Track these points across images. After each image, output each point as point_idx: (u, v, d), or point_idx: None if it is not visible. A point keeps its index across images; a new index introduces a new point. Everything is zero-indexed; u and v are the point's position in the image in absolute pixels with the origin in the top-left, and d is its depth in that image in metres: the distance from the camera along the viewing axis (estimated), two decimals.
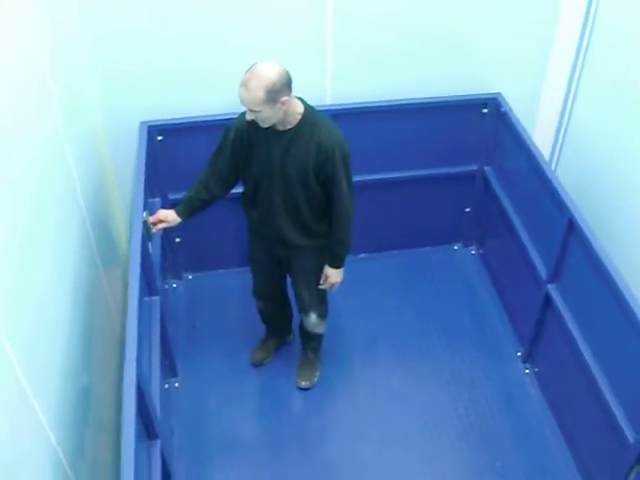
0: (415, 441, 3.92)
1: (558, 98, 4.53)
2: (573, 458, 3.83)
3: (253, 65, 3.04)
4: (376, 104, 4.26)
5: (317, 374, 4.21)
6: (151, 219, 3.57)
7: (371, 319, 4.56)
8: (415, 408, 4.07)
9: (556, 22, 4.27)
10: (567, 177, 4.24)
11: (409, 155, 4.52)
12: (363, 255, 4.89)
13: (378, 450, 3.87)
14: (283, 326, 4.33)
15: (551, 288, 3.87)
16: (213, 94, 4.08)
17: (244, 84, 3.02)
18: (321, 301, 3.90)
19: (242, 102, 3.08)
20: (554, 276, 3.85)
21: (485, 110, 4.39)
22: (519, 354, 4.35)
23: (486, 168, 4.63)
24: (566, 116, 4.54)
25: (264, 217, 3.54)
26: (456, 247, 5.08)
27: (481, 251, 4.99)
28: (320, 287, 3.72)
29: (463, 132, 4.49)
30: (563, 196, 3.70)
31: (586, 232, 3.50)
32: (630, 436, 3.21)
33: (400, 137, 4.41)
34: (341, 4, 3.96)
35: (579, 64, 4.31)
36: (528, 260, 4.08)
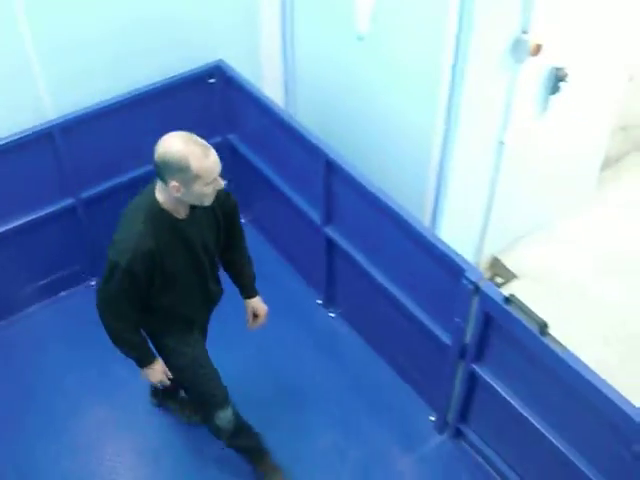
0: None
1: (276, 45, 4.63)
2: (403, 379, 4.05)
3: (190, 136, 2.64)
4: (102, 104, 4.06)
5: None
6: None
7: None
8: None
9: None
10: (309, 117, 4.37)
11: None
12: None
13: None
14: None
15: (329, 230, 3.98)
16: None
17: (211, 151, 2.67)
18: None
19: (215, 171, 2.70)
20: (328, 218, 3.97)
21: (212, 80, 4.37)
22: (320, 302, 4.46)
23: (230, 136, 4.62)
24: (290, 60, 4.66)
25: (195, 301, 3.14)
26: None
27: (250, 218, 4.99)
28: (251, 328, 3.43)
29: (197, 106, 4.43)
30: (313, 140, 3.80)
31: (345, 167, 3.63)
32: (444, 337, 3.43)
33: (142, 130, 4.17)
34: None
35: (287, 8, 4.44)
36: (299, 211, 4.17)
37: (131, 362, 3.11)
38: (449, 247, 3.23)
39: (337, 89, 4.42)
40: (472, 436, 3.74)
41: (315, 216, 4.04)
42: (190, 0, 4.19)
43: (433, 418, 3.91)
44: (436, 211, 4.15)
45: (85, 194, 4.27)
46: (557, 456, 3.07)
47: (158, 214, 2.77)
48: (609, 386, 2.69)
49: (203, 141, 2.67)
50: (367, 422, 3.91)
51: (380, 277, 3.73)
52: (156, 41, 4.17)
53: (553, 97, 4.17)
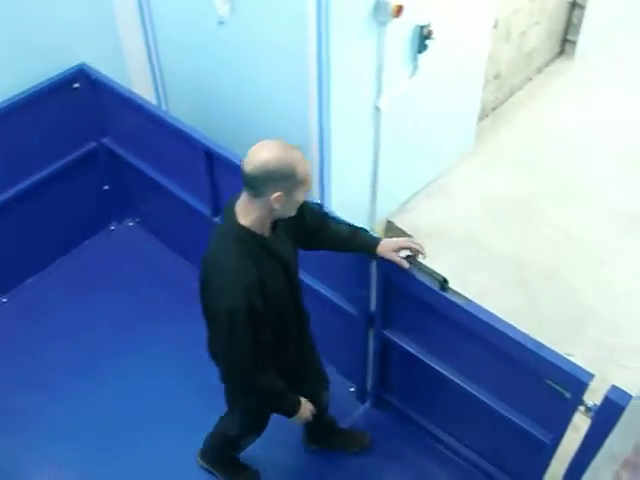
0: None
1: (138, 40, 4.52)
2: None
3: (283, 142, 2.41)
4: None
5: None
6: None
7: None
8: None
9: None
10: (183, 110, 4.31)
11: (26, 163, 4.20)
12: (29, 281, 4.55)
13: None
14: None
15: (218, 220, 3.91)
16: None
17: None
18: None
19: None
20: (216, 209, 3.90)
21: (76, 85, 4.21)
22: None
23: (105, 140, 4.47)
24: (154, 54, 4.56)
25: (290, 326, 2.80)
26: (113, 227, 4.88)
27: (138, 220, 4.86)
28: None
29: (65, 114, 4.26)
30: (189, 132, 3.73)
31: (225, 155, 3.58)
32: (351, 310, 3.42)
33: (8, 146, 4.07)
34: None
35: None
36: (187, 206, 4.09)
37: None
38: None
39: (206, 77, 4.34)
40: (394, 400, 3.77)
41: (203, 209, 3.96)
42: (42, 6, 4.01)
43: (353, 389, 3.92)
44: (323, 182, 4.13)
45: None
46: (478, 405, 3.12)
47: (248, 238, 2.48)
48: (514, 328, 2.74)
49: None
50: None
51: None
52: (10, 50, 3.97)
53: (422, 56, 4.21)
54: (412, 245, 2.93)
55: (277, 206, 2.41)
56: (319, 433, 3.66)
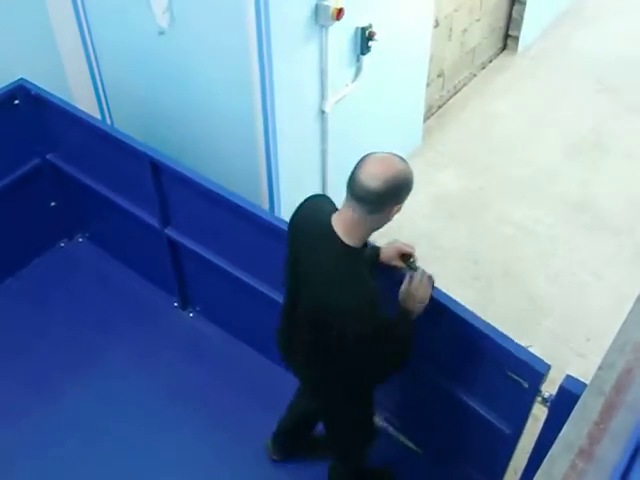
0: None
1: (78, 54, 4.45)
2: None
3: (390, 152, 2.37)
4: None
5: None
6: None
7: None
8: None
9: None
10: (129, 123, 4.25)
11: None
12: None
13: None
14: None
15: (169, 231, 3.89)
16: None
17: None
18: None
19: None
20: (165, 220, 3.86)
21: (17, 101, 4.12)
22: (176, 304, 4.35)
23: (49, 156, 4.37)
24: (95, 68, 4.50)
25: None
26: (62, 244, 4.79)
27: (88, 235, 4.78)
28: None
29: (6, 131, 4.14)
30: (133, 144, 3.68)
31: (171, 166, 3.54)
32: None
33: None
34: None
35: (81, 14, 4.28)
36: (136, 219, 4.02)
37: None
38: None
39: (150, 88, 4.30)
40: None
41: (152, 220, 3.91)
42: None
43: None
44: (272, 187, 4.11)
45: None
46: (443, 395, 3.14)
47: (361, 259, 2.44)
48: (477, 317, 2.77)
49: None
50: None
51: (227, 265, 3.70)
52: None
53: (365, 57, 4.22)
54: (408, 249, 2.81)
55: (385, 220, 2.38)
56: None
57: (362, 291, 2.37)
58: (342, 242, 2.36)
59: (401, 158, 2.35)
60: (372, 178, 2.25)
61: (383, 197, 2.28)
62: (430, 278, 2.69)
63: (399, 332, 2.59)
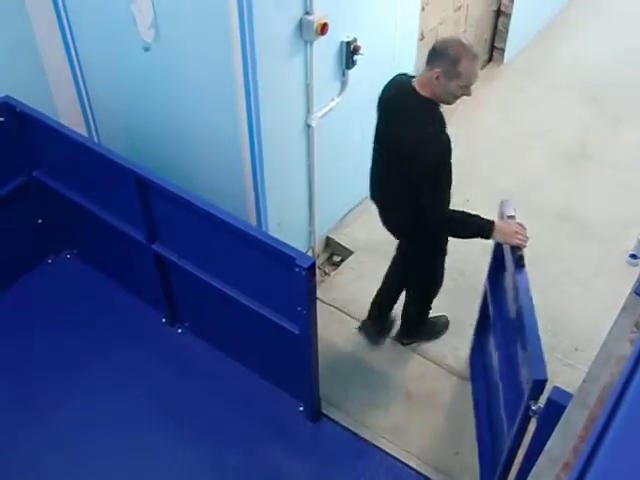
0: None
1: (63, 71, 4.44)
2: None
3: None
4: None
5: None
6: None
7: None
8: None
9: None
10: (114, 139, 4.28)
11: None
12: None
13: None
14: None
15: (156, 247, 3.88)
16: None
17: None
18: None
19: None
20: (152, 235, 3.86)
21: (2, 118, 4.10)
22: (164, 320, 4.34)
23: (35, 173, 4.37)
24: (81, 85, 4.50)
25: None
26: (50, 260, 4.77)
27: (75, 251, 4.77)
28: None
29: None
30: (119, 160, 3.68)
31: (156, 182, 3.54)
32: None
33: None
34: None
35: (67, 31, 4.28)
36: (123, 235, 4.02)
37: None
38: (275, 240, 3.22)
39: (136, 104, 4.29)
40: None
41: (139, 236, 3.90)
42: None
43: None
44: (259, 203, 4.11)
45: None
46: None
47: (431, 105, 3.22)
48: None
49: None
50: None
51: (213, 280, 3.70)
52: None
53: (351, 72, 4.24)
54: (519, 243, 3.32)
55: (435, 82, 3.05)
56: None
57: (436, 126, 3.14)
58: (419, 93, 3.15)
59: (467, 44, 3.03)
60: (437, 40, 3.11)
61: (431, 54, 3.06)
62: (522, 238, 3.31)
63: (471, 220, 3.30)
